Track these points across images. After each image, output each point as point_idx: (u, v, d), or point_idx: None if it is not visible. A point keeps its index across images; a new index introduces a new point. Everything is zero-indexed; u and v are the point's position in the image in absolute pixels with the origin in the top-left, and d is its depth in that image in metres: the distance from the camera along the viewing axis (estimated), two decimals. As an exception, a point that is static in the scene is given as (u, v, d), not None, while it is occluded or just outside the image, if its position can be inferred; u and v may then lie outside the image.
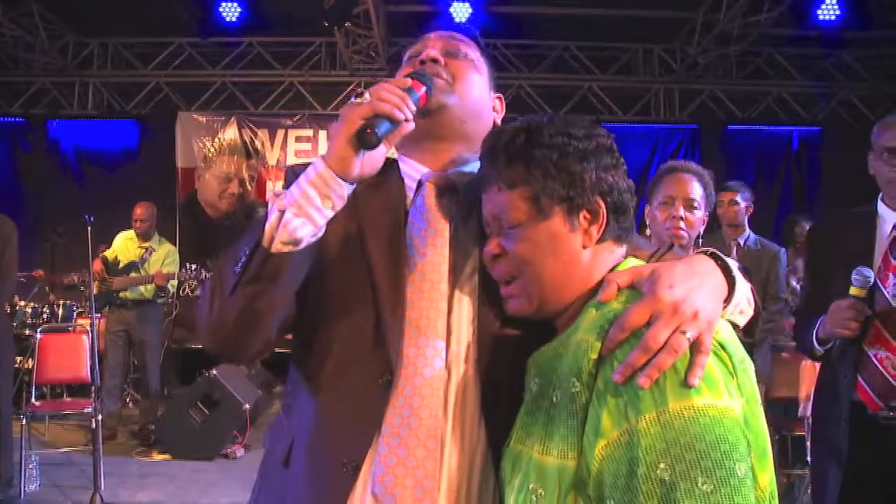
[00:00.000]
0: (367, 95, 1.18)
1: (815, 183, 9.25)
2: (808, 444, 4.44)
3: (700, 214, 2.66)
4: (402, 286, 1.28)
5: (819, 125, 9.27)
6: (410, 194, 1.37)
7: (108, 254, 6.62)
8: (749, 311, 1.22)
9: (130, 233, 6.70)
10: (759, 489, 1.00)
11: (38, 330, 5.88)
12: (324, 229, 1.21)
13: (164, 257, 6.65)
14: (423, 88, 1.26)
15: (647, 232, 2.79)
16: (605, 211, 1.17)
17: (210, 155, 8.97)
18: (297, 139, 9.07)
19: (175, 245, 7.16)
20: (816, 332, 2.52)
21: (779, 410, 4.85)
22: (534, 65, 9.25)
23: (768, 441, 1.05)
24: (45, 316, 6.94)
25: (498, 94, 1.52)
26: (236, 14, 8.31)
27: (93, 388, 4.87)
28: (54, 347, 5.70)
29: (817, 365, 4.41)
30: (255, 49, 9.09)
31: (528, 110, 9.07)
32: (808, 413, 4.49)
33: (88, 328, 5.32)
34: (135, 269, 6.52)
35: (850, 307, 2.37)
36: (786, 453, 4.94)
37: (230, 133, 8.97)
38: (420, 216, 1.33)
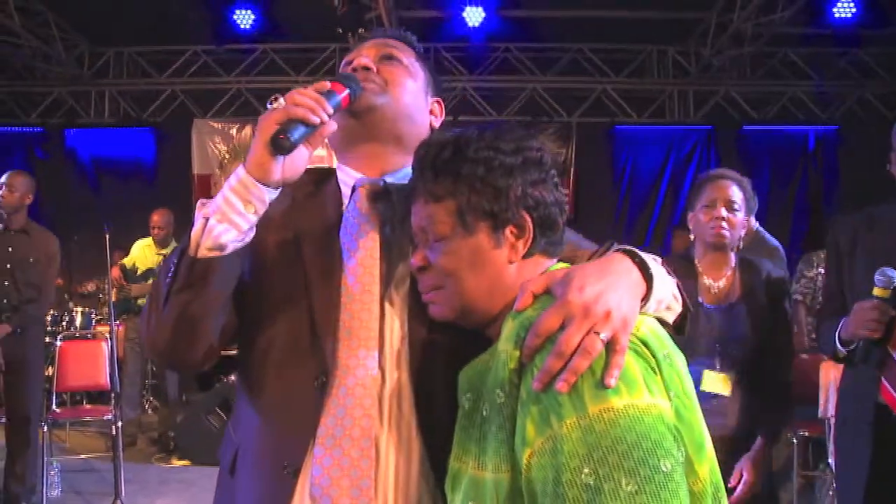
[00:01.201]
0: (282, 101, 1.19)
1: (833, 182, 9.17)
2: (830, 445, 4.41)
3: (741, 217, 2.77)
4: (336, 290, 1.29)
5: (835, 124, 9.18)
6: (346, 201, 1.38)
7: (127, 261, 6.67)
8: (677, 307, 1.22)
9: (148, 240, 6.75)
10: (698, 481, 1.01)
11: (58, 337, 5.93)
12: (251, 234, 1.23)
13: (182, 264, 6.67)
14: (346, 91, 1.27)
15: (692, 236, 2.87)
16: (531, 226, 1.16)
17: (226, 161, 9.01)
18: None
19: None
20: (839, 333, 2.50)
21: (798, 411, 4.81)
22: (547, 67, 9.22)
23: (705, 433, 1.06)
24: (64, 323, 6.99)
25: (437, 98, 1.53)
26: (250, 21, 8.35)
27: (112, 394, 4.91)
28: (74, 355, 5.75)
29: (839, 366, 4.39)
30: (270, 56, 9.12)
31: (542, 113, 9.08)
32: (829, 414, 4.46)
33: (107, 335, 5.36)
34: (153, 276, 6.55)
35: (873, 308, 2.35)
36: (806, 454, 4.91)
37: (246, 140, 9.00)
38: (352, 221, 1.34)
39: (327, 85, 1.24)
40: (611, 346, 0.99)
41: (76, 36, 8.73)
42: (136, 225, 7.04)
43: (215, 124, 9.22)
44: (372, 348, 1.27)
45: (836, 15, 7.73)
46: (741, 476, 2.69)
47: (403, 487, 1.24)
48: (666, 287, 1.18)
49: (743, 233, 2.83)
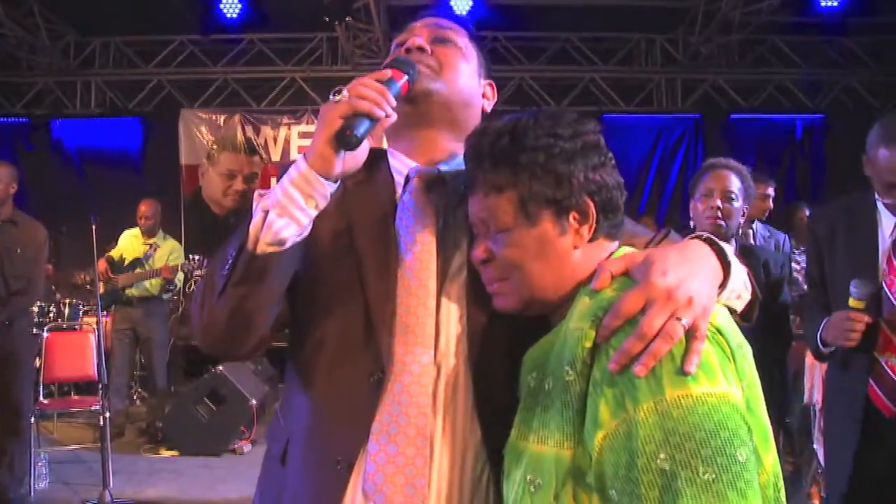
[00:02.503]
0: (345, 93, 1.15)
1: (820, 170, 9.21)
2: (815, 431, 4.45)
3: (738, 205, 2.82)
4: (392, 283, 1.27)
5: (822, 112, 9.23)
6: (399, 189, 1.35)
7: (114, 253, 6.65)
8: (746, 296, 1.21)
9: (135, 230, 6.75)
10: (763, 472, 1.01)
11: (45, 329, 5.91)
12: (309, 228, 1.20)
13: (169, 253, 6.69)
14: (405, 77, 1.25)
15: (692, 224, 2.91)
16: (594, 211, 1.15)
17: (213, 152, 8.95)
18: (301, 135, 9.06)
19: (181, 242, 7.18)
20: (820, 335, 2.53)
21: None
22: (535, 57, 9.22)
23: (769, 424, 1.05)
24: (51, 315, 6.97)
25: (489, 81, 1.50)
26: (237, 11, 8.30)
27: (100, 385, 4.90)
28: (61, 346, 5.74)
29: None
30: (257, 45, 9.08)
31: (530, 103, 9.06)
32: (814, 401, 4.50)
33: (95, 326, 5.35)
34: (139, 266, 6.56)
35: (850, 319, 2.38)
36: (791, 440, 4.94)
37: (233, 130, 8.98)
38: (408, 212, 1.31)
39: (388, 73, 1.22)
40: (691, 333, 0.99)
41: (62, 26, 8.67)
42: (124, 215, 7.01)
43: (202, 114, 9.19)
44: (428, 345, 1.24)
45: (823, 3, 7.76)
46: None
47: (458, 483, 1.22)
48: (739, 276, 1.17)
49: (742, 221, 2.88)
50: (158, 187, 8.11)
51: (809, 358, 4.53)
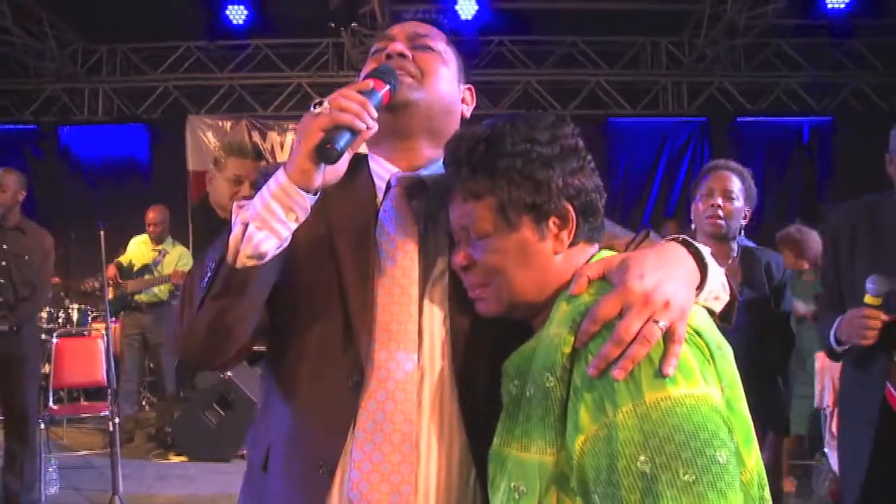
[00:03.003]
0: (326, 105, 1.13)
1: (827, 173, 9.18)
2: (826, 434, 4.43)
3: (739, 205, 2.81)
4: (371, 290, 1.26)
5: (830, 115, 9.20)
6: (380, 195, 1.34)
7: (123, 259, 6.68)
8: (725, 297, 1.21)
9: (144, 237, 6.78)
10: (746, 472, 1.01)
11: (55, 335, 5.93)
12: (289, 241, 1.19)
13: (178, 259, 6.71)
14: (386, 87, 1.23)
15: (693, 226, 2.91)
16: (574, 215, 1.15)
17: (220, 158, 8.97)
18: (307, 140, 9.06)
19: (189, 248, 7.20)
20: (835, 333, 2.50)
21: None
22: (540, 61, 9.22)
23: (751, 423, 1.06)
24: (60, 321, 6.99)
25: (468, 86, 1.49)
26: (243, 17, 8.32)
27: (109, 391, 4.92)
28: (70, 352, 5.76)
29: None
30: (263, 51, 9.10)
31: (536, 107, 9.05)
32: (824, 404, 4.49)
33: (104, 332, 5.37)
34: (148, 272, 6.59)
35: (865, 317, 2.35)
36: (801, 444, 4.93)
37: (240, 135, 8.99)
38: (389, 220, 1.31)
39: (370, 83, 1.21)
40: (668, 335, 0.99)
41: (70, 33, 8.70)
42: (132, 222, 7.05)
43: (209, 120, 9.22)
44: (412, 350, 1.24)
45: (830, 5, 7.72)
46: None
47: (445, 489, 1.21)
48: (717, 277, 1.17)
49: (744, 222, 2.87)
50: (166, 193, 8.12)
51: (820, 361, 4.52)
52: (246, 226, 1.14)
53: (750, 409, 2.77)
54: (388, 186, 1.32)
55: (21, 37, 8.06)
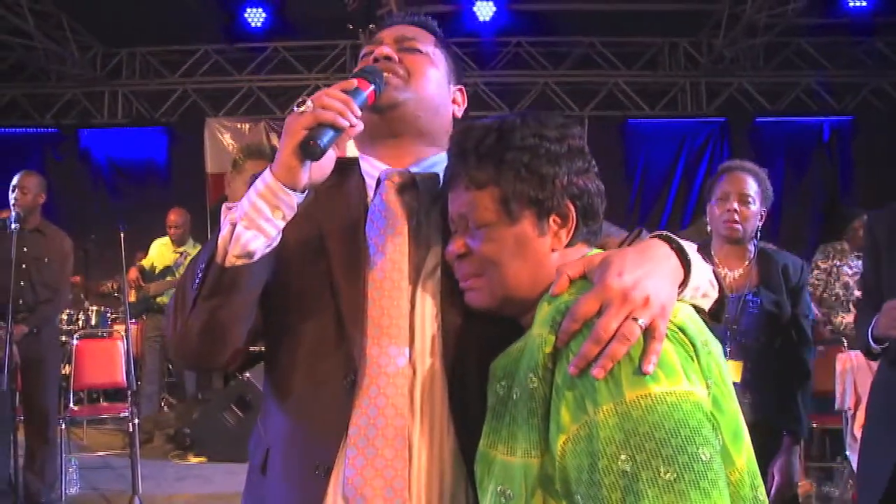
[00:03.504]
0: (309, 103, 1.15)
1: (848, 174, 9.08)
2: (847, 437, 4.39)
3: (755, 208, 2.79)
4: (362, 285, 1.27)
5: (850, 115, 9.10)
6: (371, 193, 1.35)
7: (145, 262, 6.74)
8: (714, 294, 1.20)
9: (165, 239, 6.84)
10: (735, 471, 1.00)
11: (75, 336, 5.97)
12: (278, 239, 1.20)
13: (199, 261, 6.74)
14: (371, 87, 1.24)
15: (709, 228, 2.90)
16: (574, 215, 1.15)
17: (239, 160, 9.01)
18: (325, 142, 9.08)
19: (206, 250, 7.24)
20: (872, 330, 2.46)
21: (815, 403, 4.79)
22: (558, 62, 9.21)
23: (741, 421, 1.04)
24: (80, 322, 7.05)
25: (459, 87, 1.50)
26: (261, 20, 8.37)
27: (129, 392, 4.95)
28: (91, 353, 5.80)
29: (854, 358, 4.36)
30: (281, 53, 9.16)
31: (554, 108, 9.04)
32: (846, 406, 4.44)
33: (124, 333, 5.41)
34: (170, 274, 6.64)
35: None
36: (823, 446, 4.88)
37: (258, 137, 9.03)
38: (379, 214, 1.31)
39: (353, 83, 1.21)
40: (649, 333, 0.98)
41: (89, 37, 8.80)
42: (152, 224, 7.10)
43: (228, 122, 9.27)
44: (403, 345, 1.24)
45: (850, 4, 7.65)
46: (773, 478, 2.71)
47: (437, 484, 1.22)
48: (702, 274, 1.16)
49: (760, 224, 2.84)
50: (184, 195, 8.18)
51: (841, 363, 4.48)
52: (234, 226, 1.16)
53: (767, 412, 2.74)
54: (378, 182, 1.33)
55: (42, 41, 8.15)
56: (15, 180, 4.65)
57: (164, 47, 9.24)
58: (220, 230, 1.18)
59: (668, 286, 1.06)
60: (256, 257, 1.17)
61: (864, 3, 7.60)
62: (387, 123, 1.34)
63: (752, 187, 2.78)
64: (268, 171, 1.17)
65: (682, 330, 1.02)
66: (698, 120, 9.22)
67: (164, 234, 6.86)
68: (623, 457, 0.92)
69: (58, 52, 8.52)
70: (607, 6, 7.93)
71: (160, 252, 6.80)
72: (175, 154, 9.51)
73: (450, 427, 1.23)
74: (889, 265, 2.52)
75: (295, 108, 1.16)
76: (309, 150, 1.13)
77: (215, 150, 9.21)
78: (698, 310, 1.14)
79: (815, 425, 4.66)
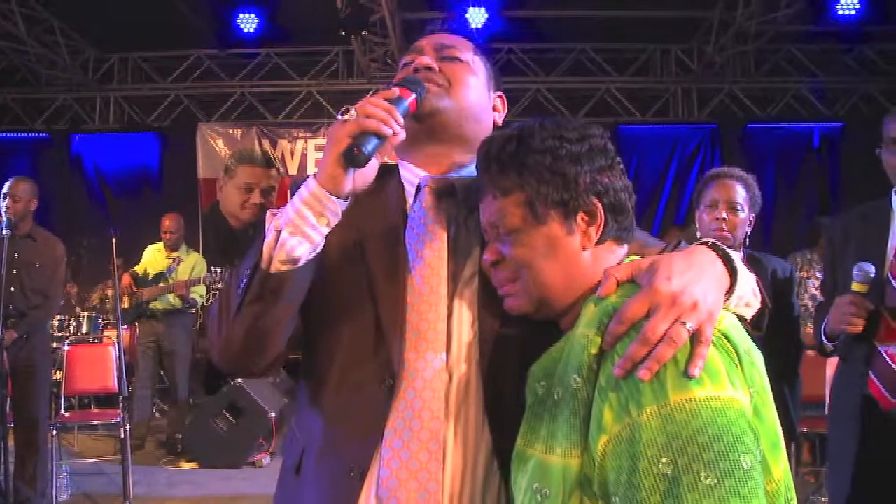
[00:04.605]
0: (353, 112, 1.17)
1: (838, 179, 9.11)
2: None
3: (744, 216, 2.81)
4: (402, 291, 1.28)
5: (840, 121, 9.14)
6: (410, 199, 1.36)
7: (138, 267, 6.73)
8: (756, 304, 1.21)
9: (159, 245, 6.83)
10: (772, 481, 0.99)
11: (66, 342, 5.95)
12: (321, 245, 1.21)
13: (193, 266, 6.75)
14: (413, 95, 1.26)
15: (698, 235, 2.89)
16: (602, 211, 1.16)
17: (231, 166, 9.04)
18: (317, 148, 9.06)
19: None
20: (824, 328, 2.52)
21: (806, 409, 4.80)
22: (550, 68, 9.23)
23: (780, 431, 1.04)
24: (71, 328, 7.02)
25: (499, 94, 1.52)
26: (254, 25, 8.36)
27: (120, 398, 4.94)
28: (82, 359, 5.79)
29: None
30: (273, 59, 9.15)
31: (546, 114, 9.02)
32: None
33: (115, 339, 5.39)
34: (163, 279, 6.63)
35: (850, 303, 2.37)
36: (814, 452, 4.90)
37: (250, 143, 9.05)
38: (419, 221, 1.33)
39: (396, 91, 1.24)
40: (695, 338, 0.98)
41: (81, 42, 8.77)
42: (144, 229, 7.08)
43: (220, 128, 9.25)
44: (440, 350, 1.25)
45: (840, 12, 7.69)
46: None
47: (470, 487, 1.22)
48: (747, 283, 1.17)
49: (749, 230, 2.86)
50: (176, 201, 8.15)
51: (830, 368, 4.49)
52: (279, 232, 1.17)
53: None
54: (418, 189, 1.35)
55: (33, 46, 8.12)
56: (6, 187, 4.64)
57: (157, 52, 9.23)
58: (265, 236, 1.19)
59: (716, 292, 1.06)
60: (301, 263, 1.19)
61: (854, 11, 7.64)
62: (427, 131, 1.36)
63: (740, 194, 2.80)
64: (312, 178, 1.19)
65: (726, 337, 1.02)
66: (689, 126, 9.25)
67: (156, 239, 6.84)
68: (664, 459, 0.92)
69: (49, 57, 8.50)
70: (599, 13, 7.95)
71: (153, 257, 6.78)
72: (167, 159, 9.48)
73: (484, 430, 1.24)
74: (842, 265, 2.56)
75: (339, 117, 1.18)
76: (354, 158, 1.15)
77: (207, 156, 9.19)
78: (740, 318, 1.14)
79: (805, 430, 4.67)
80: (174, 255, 6.75)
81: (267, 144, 9.06)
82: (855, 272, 2.36)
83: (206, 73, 9.26)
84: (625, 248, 1.22)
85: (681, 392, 0.95)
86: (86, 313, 7.31)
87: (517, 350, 1.22)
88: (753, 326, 1.20)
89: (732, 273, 1.12)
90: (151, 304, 6.56)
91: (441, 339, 1.26)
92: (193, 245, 7.61)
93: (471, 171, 1.35)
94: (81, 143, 9.53)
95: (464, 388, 1.25)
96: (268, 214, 1.22)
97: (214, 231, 8.89)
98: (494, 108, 1.50)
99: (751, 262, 2.83)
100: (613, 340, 1.02)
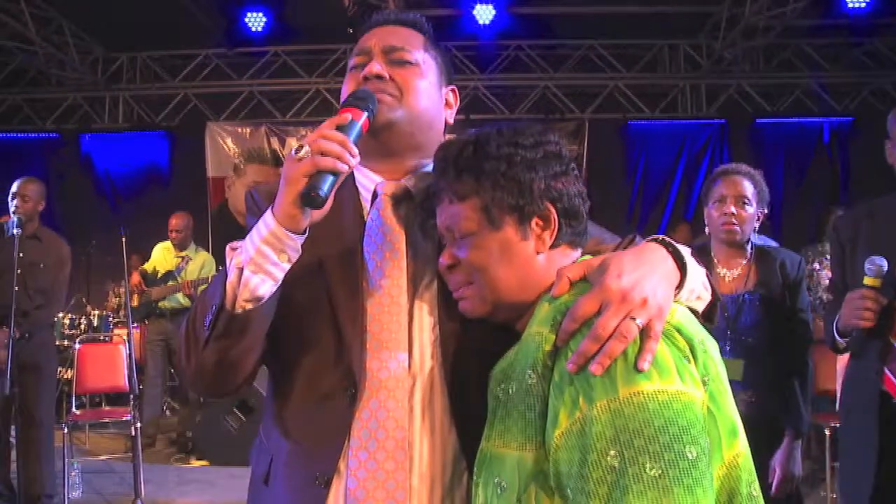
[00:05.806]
0: (307, 148, 1.14)
1: (848, 174, 9.07)
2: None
3: (752, 210, 2.84)
4: (361, 301, 1.29)
5: (850, 116, 9.10)
6: (366, 204, 1.37)
7: (147, 266, 6.75)
8: (707, 297, 1.23)
9: (167, 243, 6.85)
10: (725, 466, 1.03)
11: (77, 340, 5.98)
12: (282, 277, 1.21)
13: (201, 266, 6.76)
14: (364, 115, 1.24)
15: (707, 230, 2.93)
16: (556, 216, 1.19)
17: (240, 164, 9.06)
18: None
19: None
20: (836, 324, 2.50)
21: (822, 403, 4.78)
22: (558, 65, 9.21)
23: (737, 419, 1.07)
24: (82, 326, 7.05)
25: (451, 87, 1.48)
26: (262, 24, 8.38)
27: (131, 396, 4.95)
28: (93, 358, 5.82)
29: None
30: (282, 58, 9.17)
31: (554, 111, 9.07)
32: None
33: (126, 338, 5.41)
34: (172, 278, 6.64)
35: (863, 297, 2.35)
36: (824, 446, 4.87)
37: (259, 142, 9.07)
38: (376, 229, 1.33)
39: (348, 117, 1.21)
40: (645, 332, 1.01)
41: (90, 42, 8.81)
42: (153, 228, 7.12)
43: (229, 127, 9.28)
44: (402, 358, 1.27)
45: (850, 5, 7.64)
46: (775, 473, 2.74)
47: (439, 493, 1.25)
48: (697, 277, 1.19)
49: (757, 225, 2.89)
50: (185, 200, 8.19)
51: (840, 362, 4.47)
52: (241, 270, 1.17)
53: (768, 408, 2.76)
54: (374, 195, 1.35)
55: (42, 46, 8.15)
56: (15, 187, 4.65)
57: (165, 52, 9.26)
58: (227, 274, 1.19)
59: (665, 288, 1.09)
60: (265, 300, 1.20)
61: (864, 5, 7.59)
62: (382, 144, 1.35)
63: (748, 189, 2.83)
64: (270, 214, 1.18)
65: (678, 330, 1.06)
66: (698, 122, 9.22)
67: (165, 238, 6.86)
68: (612, 452, 0.95)
69: (59, 57, 8.53)
70: (607, 9, 7.93)
71: (162, 256, 6.81)
72: (176, 158, 9.52)
73: (451, 432, 1.26)
74: (852, 262, 2.55)
75: (293, 154, 1.16)
76: (311, 201, 1.14)
77: (216, 155, 9.22)
78: (693, 311, 1.17)
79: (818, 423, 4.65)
80: (182, 254, 6.77)
81: (276, 143, 9.08)
82: (867, 266, 2.34)
83: (214, 72, 9.28)
84: (578, 252, 1.24)
85: (629, 386, 0.98)
86: (96, 311, 7.34)
87: (478, 352, 1.24)
88: (706, 319, 1.23)
89: (682, 268, 1.15)
90: (160, 303, 6.59)
91: (403, 346, 1.28)
92: (202, 244, 7.62)
93: (425, 174, 1.36)
94: (91, 143, 9.57)
95: (428, 391, 1.27)
96: (227, 249, 1.23)
97: (223, 230, 8.91)
98: (447, 104, 1.47)
99: (760, 255, 2.84)
100: (566, 337, 1.05)
